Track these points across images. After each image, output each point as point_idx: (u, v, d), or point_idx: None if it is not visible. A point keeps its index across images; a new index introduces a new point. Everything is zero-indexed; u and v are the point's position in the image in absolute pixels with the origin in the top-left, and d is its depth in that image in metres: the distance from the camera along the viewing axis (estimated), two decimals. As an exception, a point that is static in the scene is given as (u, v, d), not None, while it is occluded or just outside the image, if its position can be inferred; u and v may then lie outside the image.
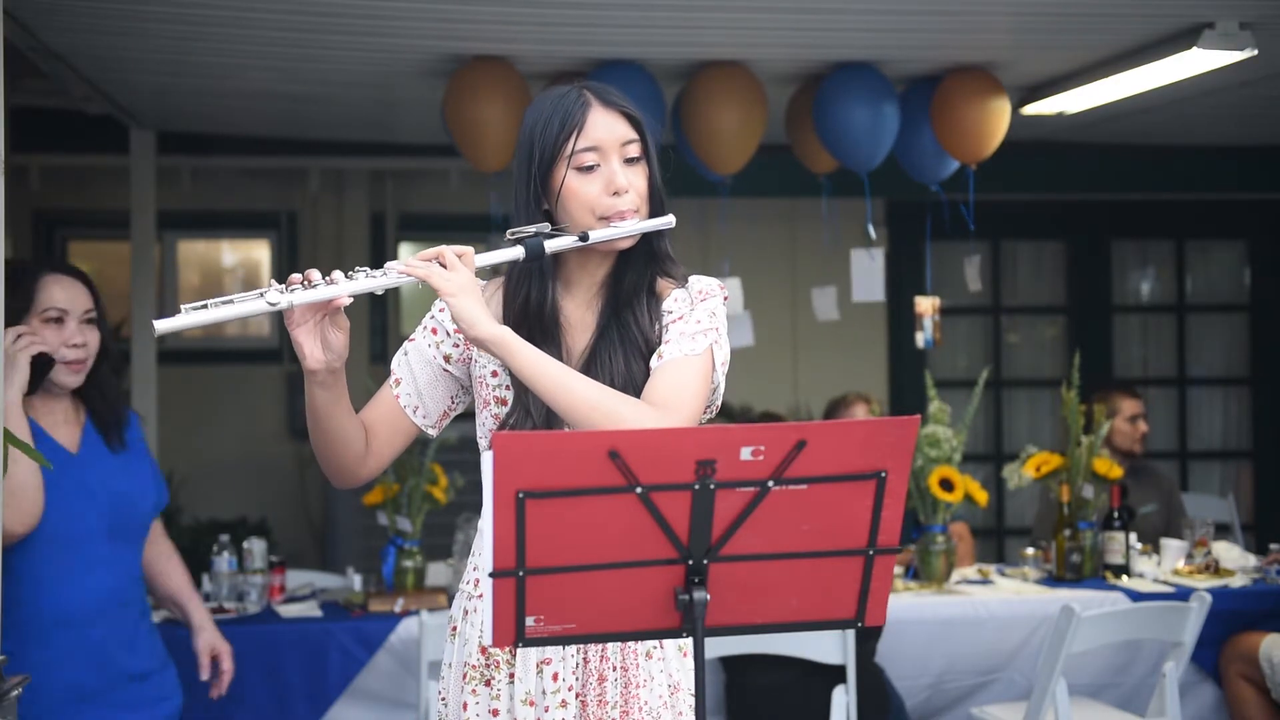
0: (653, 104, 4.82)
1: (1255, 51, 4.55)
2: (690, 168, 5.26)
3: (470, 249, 2.12)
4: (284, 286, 2.06)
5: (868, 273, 5.54)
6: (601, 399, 2.06)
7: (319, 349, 2.10)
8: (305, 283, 2.06)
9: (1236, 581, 4.78)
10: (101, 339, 3.07)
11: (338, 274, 2.08)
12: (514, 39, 4.73)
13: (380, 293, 2.13)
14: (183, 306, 2.01)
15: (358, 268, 2.10)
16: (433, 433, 2.30)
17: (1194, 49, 4.55)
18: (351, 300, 2.08)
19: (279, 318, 2.11)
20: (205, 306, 2.01)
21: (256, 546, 4.48)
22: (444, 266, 2.09)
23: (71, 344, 3.00)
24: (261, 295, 2.03)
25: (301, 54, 4.90)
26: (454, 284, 2.07)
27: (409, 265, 2.08)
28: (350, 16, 4.40)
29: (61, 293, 3.01)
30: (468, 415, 2.33)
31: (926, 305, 5.51)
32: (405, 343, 2.30)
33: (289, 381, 7.64)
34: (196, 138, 6.67)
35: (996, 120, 5.10)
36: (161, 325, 2.01)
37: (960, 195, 5.38)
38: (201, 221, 7.80)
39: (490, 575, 1.74)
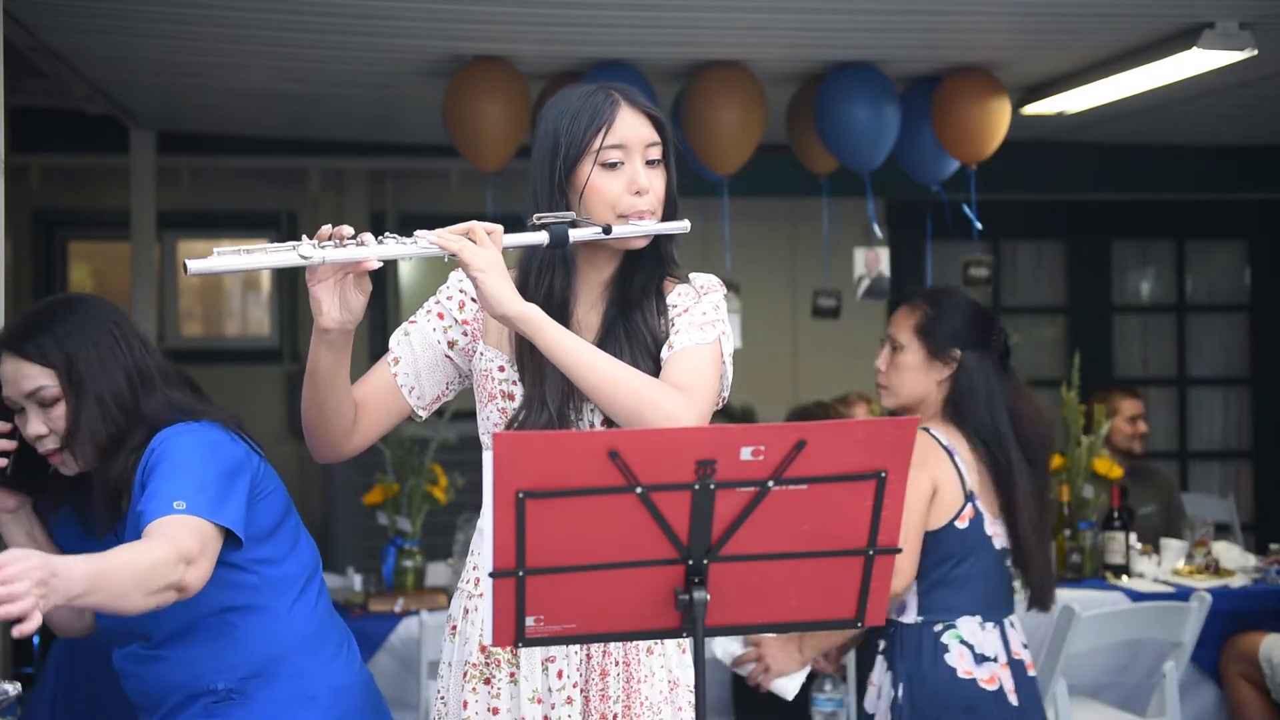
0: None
1: (1255, 51, 4.55)
2: (690, 168, 5.26)
3: (499, 227, 2.13)
4: (316, 242, 2.06)
5: (876, 272, 5.54)
6: (628, 378, 2.09)
7: (336, 308, 2.10)
8: (336, 239, 2.07)
9: (1236, 581, 4.78)
10: (74, 410, 2.32)
11: (368, 236, 2.08)
12: (514, 39, 4.73)
13: (407, 260, 2.13)
14: (216, 250, 2.01)
15: (387, 233, 2.11)
16: (423, 414, 2.31)
17: (1194, 49, 4.55)
18: (380, 265, 2.09)
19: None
20: (238, 252, 2.02)
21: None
22: (474, 242, 2.10)
23: (32, 436, 2.36)
24: (294, 248, 2.04)
25: (301, 54, 4.90)
26: (484, 260, 2.08)
27: (441, 237, 2.09)
28: (350, 16, 4.40)
29: (7, 379, 2.37)
30: (467, 415, 2.33)
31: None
32: (405, 324, 2.30)
33: (289, 381, 7.63)
34: (196, 138, 6.67)
35: (996, 120, 5.10)
36: (194, 265, 2.01)
37: (961, 195, 5.38)
38: (201, 221, 7.79)
39: (490, 575, 1.74)
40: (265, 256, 2.04)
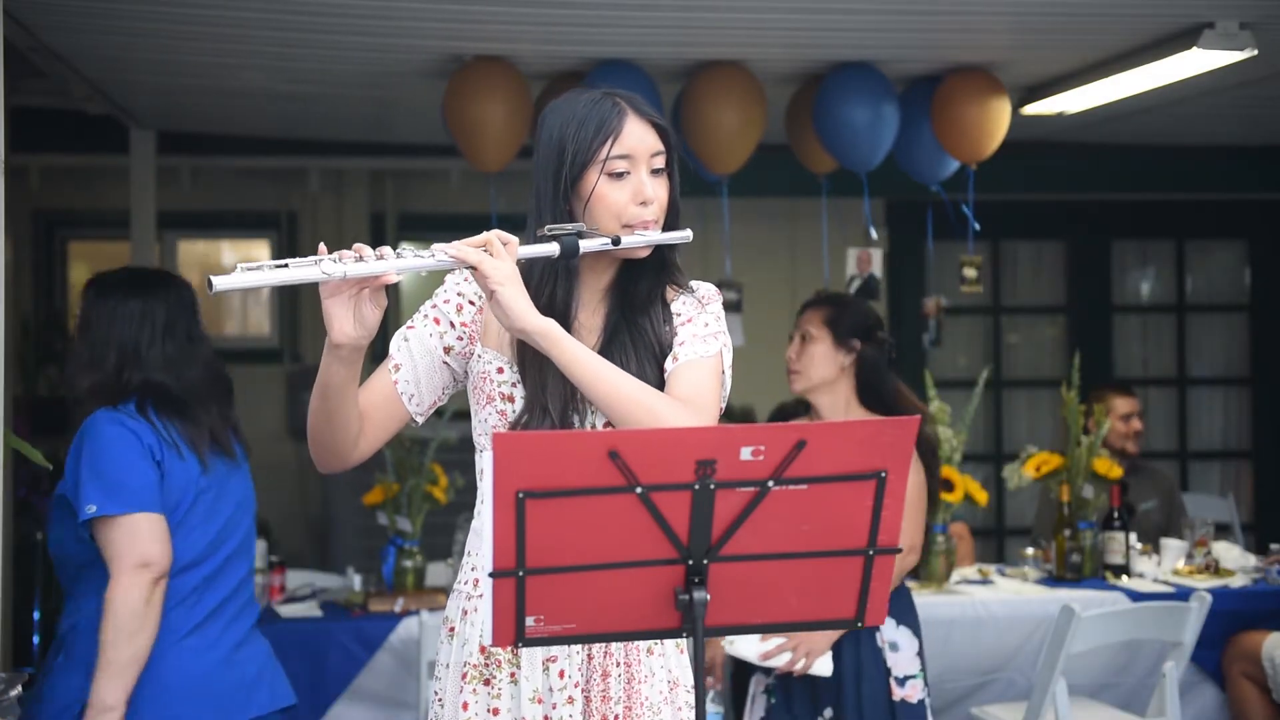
0: (652, 104, 4.82)
1: (1255, 51, 4.55)
2: (690, 168, 5.24)
3: (515, 239, 2.13)
4: (337, 257, 2.05)
5: (868, 272, 5.56)
6: (641, 393, 2.10)
7: (349, 323, 2.09)
8: (356, 254, 2.06)
9: (1236, 581, 4.78)
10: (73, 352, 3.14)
11: (386, 250, 2.08)
12: (514, 39, 4.73)
13: (424, 274, 2.14)
14: (239, 265, 2.01)
15: (404, 245, 2.11)
16: (419, 420, 2.31)
17: (1194, 49, 4.54)
18: (400, 278, 2.10)
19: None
20: (260, 268, 2.01)
21: (256, 546, 4.47)
22: (491, 255, 2.10)
23: None
24: (317, 263, 2.03)
25: (301, 54, 4.90)
26: (502, 273, 2.08)
27: (460, 251, 2.09)
28: (350, 16, 4.40)
29: None
30: (468, 415, 2.33)
31: (930, 305, 5.56)
32: (404, 329, 2.30)
33: (289, 381, 7.63)
34: (196, 138, 6.67)
35: (996, 120, 5.10)
36: (219, 282, 1.99)
37: (960, 195, 5.38)
38: (201, 221, 7.80)
39: (490, 575, 1.74)
40: (288, 272, 2.02)
